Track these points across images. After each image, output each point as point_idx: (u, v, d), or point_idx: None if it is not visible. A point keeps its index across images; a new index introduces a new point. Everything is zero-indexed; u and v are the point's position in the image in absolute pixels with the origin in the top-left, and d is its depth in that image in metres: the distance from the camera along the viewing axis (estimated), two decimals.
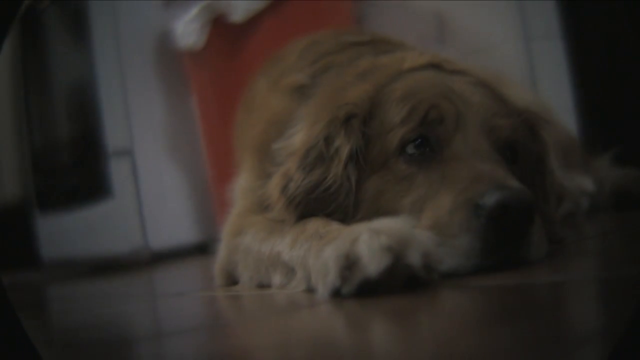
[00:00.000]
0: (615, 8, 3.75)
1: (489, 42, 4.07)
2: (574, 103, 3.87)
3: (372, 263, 1.55)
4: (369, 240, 1.57)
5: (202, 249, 4.42)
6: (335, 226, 1.82)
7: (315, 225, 1.88)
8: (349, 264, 1.58)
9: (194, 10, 4.20)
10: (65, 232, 4.91)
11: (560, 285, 1.54)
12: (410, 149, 1.90)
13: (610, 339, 1.01)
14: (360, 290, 1.58)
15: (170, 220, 4.67)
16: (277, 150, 2.14)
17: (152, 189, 4.64)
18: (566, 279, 1.61)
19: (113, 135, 4.59)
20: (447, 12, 4.26)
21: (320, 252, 1.69)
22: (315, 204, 1.97)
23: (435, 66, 2.13)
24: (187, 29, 4.23)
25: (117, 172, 4.59)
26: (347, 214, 1.95)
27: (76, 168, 4.94)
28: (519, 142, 1.99)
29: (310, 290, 1.78)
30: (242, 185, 2.35)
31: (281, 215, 2.03)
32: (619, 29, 3.75)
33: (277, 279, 1.98)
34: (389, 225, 1.61)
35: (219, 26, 4.15)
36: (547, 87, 3.88)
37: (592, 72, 3.87)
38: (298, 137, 2.08)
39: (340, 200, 1.95)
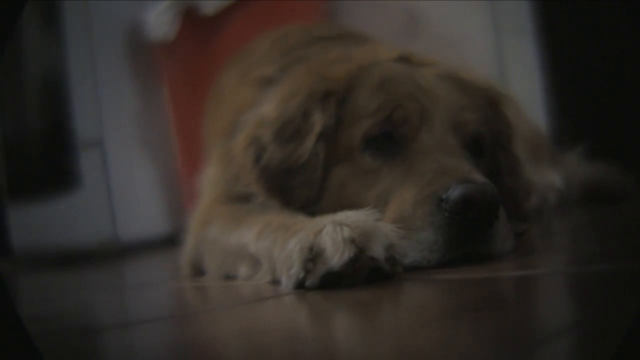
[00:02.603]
0: (586, 3, 3.78)
1: (460, 36, 4.08)
2: (544, 97, 3.89)
3: (336, 255, 1.56)
4: (333, 233, 1.58)
5: (172, 240, 4.41)
6: (300, 218, 1.82)
7: (281, 217, 1.89)
8: (313, 256, 1.59)
9: (166, 2, 4.19)
10: (36, 222, 4.88)
11: (525, 280, 1.56)
12: (374, 144, 1.92)
13: (576, 334, 1.01)
14: (324, 282, 1.59)
15: (140, 211, 4.66)
16: (243, 121, 2.15)
17: (121, 180, 4.62)
18: (531, 273, 1.62)
19: (83, 125, 4.57)
20: (419, 7, 4.27)
21: (285, 244, 1.69)
22: (284, 176, 1.99)
23: (405, 59, 2.14)
24: (159, 20, 4.22)
25: (87, 162, 4.57)
26: (312, 193, 1.96)
27: (46, 158, 4.92)
28: (485, 136, 2.01)
29: (275, 281, 1.78)
30: (209, 176, 2.35)
31: (251, 186, 2.05)
32: (589, 24, 3.77)
33: (243, 270, 1.98)
34: (352, 218, 1.62)
35: (190, 18, 4.14)
36: (517, 81, 3.90)
37: (562, 67, 3.89)
38: (270, 106, 2.08)
39: (307, 175, 1.97)
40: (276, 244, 1.77)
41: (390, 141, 1.91)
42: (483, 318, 1.20)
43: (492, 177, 1.90)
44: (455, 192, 1.69)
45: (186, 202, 4.20)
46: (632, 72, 3.60)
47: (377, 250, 1.58)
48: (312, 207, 1.95)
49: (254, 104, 2.18)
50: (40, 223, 4.84)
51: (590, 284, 1.38)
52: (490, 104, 2.11)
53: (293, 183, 1.99)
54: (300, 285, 1.63)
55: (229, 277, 2.07)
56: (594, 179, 3.00)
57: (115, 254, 4.46)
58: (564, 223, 2.65)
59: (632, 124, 3.59)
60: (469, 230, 1.71)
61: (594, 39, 3.76)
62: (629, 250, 1.68)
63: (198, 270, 2.27)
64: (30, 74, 5.05)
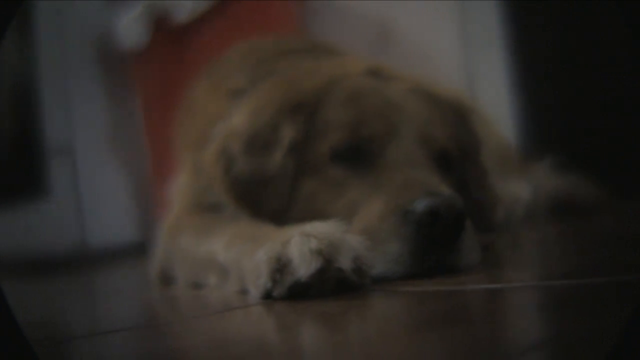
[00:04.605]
0: (556, 20, 3.81)
1: (430, 50, 4.11)
2: (513, 110, 3.92)
3: (303, 266, 1.57)
4: (300, 244, 1.59)
5: (142, 248, 4.40)
6: (269, 229, 1.84)
7: (250, 227, 1.91)
8: (280, 266, 1.61)
9: (138, 10, 4.19)
10: (4, 230, 4.85)
11: (493, 293, 1.55)
12: (342, 157, 1.93)
13: (548, 349, 1.02)
14: (292, 292, 1.60)
15: (110, 219, 4.65)
16: (214, 132, 2.16)
17: (92, 187, 4.61)
18: (499, 286, 1.62)
19: (53, 133, 4.55)
20: (391, 20, 4.29)
21: (254, 254, 1.70)
22: (254, 187, 2.01)
23: (374, 73, 2.16)
24: (130, 28, 4.22)
25: (57, 170, 4.56)
26: (281, 204, 1.98)
27: (16, 165, 4.90)
28: (453, 150, 2.03)
29: (244, 291, 1.79)
30: (180, 186, 2.36)
31: (221, 197, 2.07)
32: (559, 39, 3.80)
33: (212, 279, 1.99)
34: (320, 229, 1.63)
35: (162, 26, 4.14)
36: (487, 94, 3.92)
37: (531, 80, 3.91)
38: (240, 118, 2.10)
39: (276, 186, 1.99)
40: (245, 254, 1.79)
41: (359, 154, 1.93)
42: (452, 331, 1.20)
43: (460, 190, 1.93)
44: (421, 205, 1.70)
45: (157, 211, 4.20)
46: (602, 85, 3.63)
47: (344, 262, 1.59)
48: (281, 217, 1.96)
49: (225, 116, 2.19)
50: (9, 230, 4.81)
51: (559, 298, 1.38)
52: (458, 117, 2.14)
53: (263, 194, 2.00)
54: (268, 296, 1.64)
55: (199, 286, 2.08)
56: (562, 191, 3.00)
57: (84, 262, 4.45)
58: (532, 236, 2.66)
59: (602, 136, 3.61)
60: (436, 242, 1.72)
61: (564, 53, 3.79)
62: (598, 265, 1.69)
63: (168, 279, 2.28)
64: (1, 80, 5.03)
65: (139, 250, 4.37)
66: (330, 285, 1.60)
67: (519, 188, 2.96)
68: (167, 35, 4.16)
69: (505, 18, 3.97)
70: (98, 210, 4.63)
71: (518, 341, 1.10)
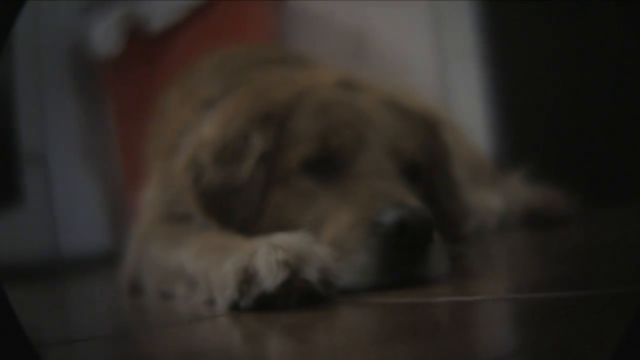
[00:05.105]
0: (531, 30, 3.82)
1: (406, 60, 4.12)
2: (487, 121, 3.93)
3: (269, 277, 1.57)
4: (267, 255, 1.59)
5: (114, 257, 4.38)
6: (238, 239, 1.84)
7: (219, 238, 1.91)
8: (247, 277, 1.60)
9: (113, 18, 4.17)
10: None
11: (461, 305, 1.56)
12: (311, 167, 1.94)
13: None
14: (258, 303, 1.60)
15: (83, 227, 4.62)
16: (184, 142, 2.16)
17: (65, 196, 4.59)
18: (467, 298, 1.62)
19: (27, 140, 4.53)
20: (367, 30, 4.30)
21: (221, 264, 1.70)
22: (223, 197, 2.01)
23: (345, 84, 2.16)
24: (105, 36, 4.20)
25: (30, 178, 4.53)
26: (250, 215, 1.99)
27: None
28: (422, 161, 2.04)
29: (212, 302, 1.78)
30: (149, 196, 2.36)
31: (190, 207, 2.06)
32: (534, 49, 3.81)
33: (180, 289, 1.98)
34: (287, 240, 1.63)
35: (137, 34, 4.12)
36: (461, 105, 3.93)
37: (506, 91, 3.93)
38: (210, 128, 2.10)
39: (245, 197, 2.00)
40: (212, 265, 1.78)
41: (328, 165, 1.94)
42: (419, 343, 1.20)
43: (429, 201, 1.93)
44: (389, 216, 1.70)
45: (129, 220, 4.18)
46: (577, 95, 3.65)
47: (311, 273, 1.59)
48: (250, 228, 1.96)
49: (196, 125, 2.19)
50: None
51: (528, 311, 1.39)
52: (427, 129, 2.15)
53: (232, 204, 2.00)
54: (235, 306, 1.64)
55: (167, 296, 2.07)
56: (535, 202, 3.01)
57: (56, 270, 4.43)
58: (503, 247, 2.66)
59: (575, 146, 3.63)
60: (403, 253, 1.72)
61: (538, 63, 3.81)
62: (569, 277, 1.69)
63: (137, 289, 2.27)
64: None
65: (111, 259, 4.37)
66: (296, 296, 1.60)
67: (491, 199, 2.97)
68: (142, 43, 4.14)
69: (480, 28, 3.98)
70: (71, 219, 4.60)
71: (486, 353, 1.11)
